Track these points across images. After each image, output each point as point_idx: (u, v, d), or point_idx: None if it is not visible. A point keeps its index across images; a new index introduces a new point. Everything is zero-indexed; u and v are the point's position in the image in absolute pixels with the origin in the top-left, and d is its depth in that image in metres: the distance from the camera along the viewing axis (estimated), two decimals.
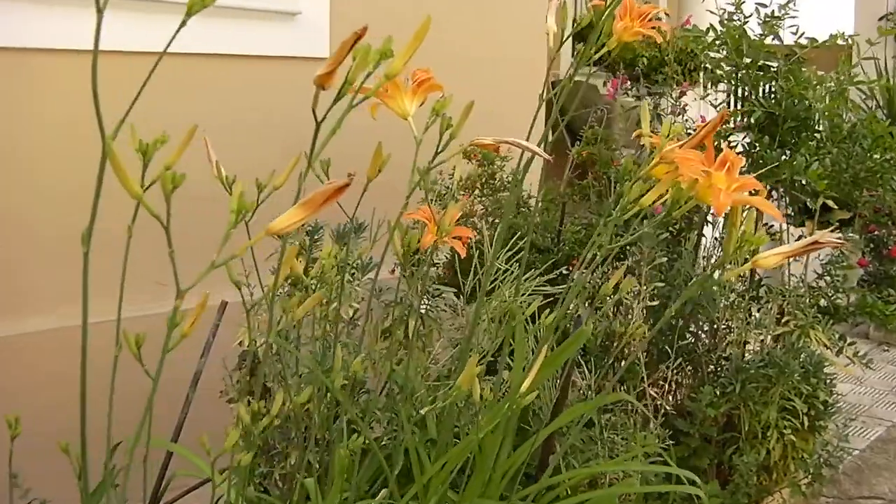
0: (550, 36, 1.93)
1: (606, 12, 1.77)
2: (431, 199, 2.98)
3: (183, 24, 1.27)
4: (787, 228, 3.08)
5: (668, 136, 1.51)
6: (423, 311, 2.58)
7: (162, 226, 1.26)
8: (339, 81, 1.35)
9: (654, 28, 1.88)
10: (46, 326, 2.72)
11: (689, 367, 2.82)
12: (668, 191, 1.61)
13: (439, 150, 1.59)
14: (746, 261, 1.49)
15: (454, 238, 1.93)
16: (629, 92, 3.79)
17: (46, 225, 2.70)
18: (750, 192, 1.44)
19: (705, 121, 2.94)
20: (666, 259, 2.70)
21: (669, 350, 2.67)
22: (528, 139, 1.60)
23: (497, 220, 2.94)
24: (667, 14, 6.31)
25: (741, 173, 2.54)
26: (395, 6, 3.45)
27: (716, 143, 2.78)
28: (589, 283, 2.77)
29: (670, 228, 2.89)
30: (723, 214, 1.31)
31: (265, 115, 3.18)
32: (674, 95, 2.99)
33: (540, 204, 3.19)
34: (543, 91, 1.89)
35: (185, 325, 1.55)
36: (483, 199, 3.11)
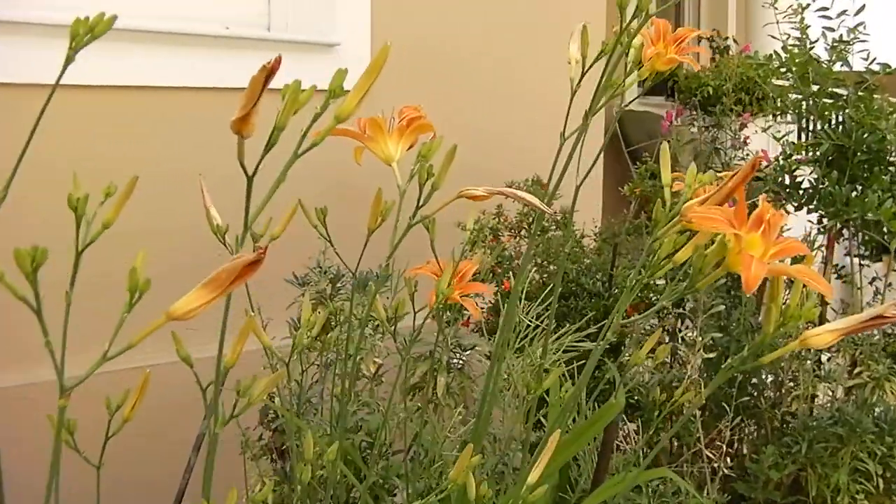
0: (573, 64, 1.59)
1: (618, 39, 1.43)
2: (472, 244, 2.67)
3: None
4: (860, 269, 2.67)
5: (694, 184, 1.17)
6: (454, 366, 2.26)
7: (32, 309, 0.95)
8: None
9: (690, 54, 1.54)
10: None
11: (751, 425, 2.44)
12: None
13: (420, 204, 1.27)
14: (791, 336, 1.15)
15: (464, 297, 1.62)
16: (695, 123, 3.43)
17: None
18: (793, 259, 1.09)
19: (767, 156, 2.57)
20: (724, 307, 2.33)
21: (727, 407, 2.30)
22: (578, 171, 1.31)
23: (546, 263, 2.61)
24: (734, 41, 5.91)
25: (809, 210, 2.16)
26: (438, 37, 3.15)
27: (778, 178, 2.41)
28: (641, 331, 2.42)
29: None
30: (754, 289, 0.96)
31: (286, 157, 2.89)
32: (734, 127, 2.63)
33: (594, 244, 2.85)
34: (588, 120, 1.55)
35: (126, 409, 1.27)
36: (530, 239, 2.77)
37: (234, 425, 2.12)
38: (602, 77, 1.49)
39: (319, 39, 2.86)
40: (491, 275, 2.57)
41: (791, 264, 1.10)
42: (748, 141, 2.72)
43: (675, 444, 2.44)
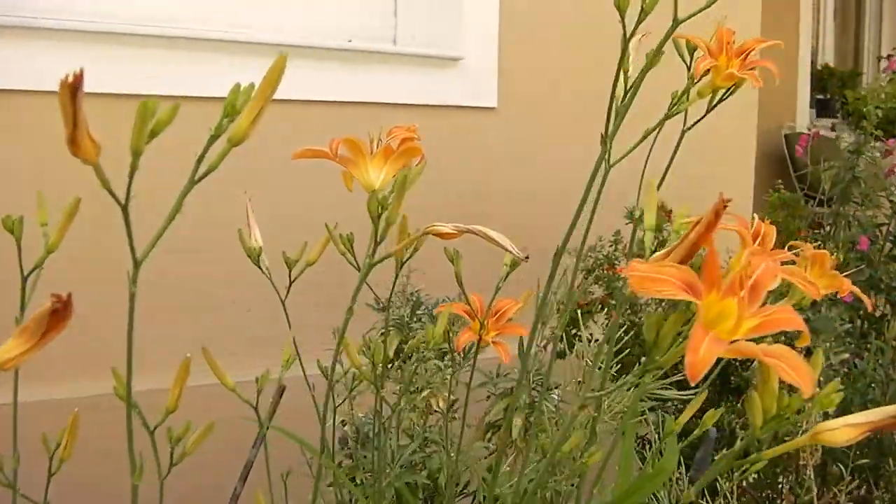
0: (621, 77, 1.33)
1: (657, 52, 1.17)
2: (591, 269, 2.41)
3: None
4: None
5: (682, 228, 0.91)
6: (532, 405, 2.01)
7: None
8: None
9: (753, 69, 1.26)
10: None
11: (875, 488, 2.07)
12: None
13: (378, 240, 1.05)
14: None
15: (495, 341, 1.40)
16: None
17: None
18: (786, 338, 0.82)
19: None
20: (848, 355, 1.98)
21: (843, 470, 1.95)
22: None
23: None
24: None
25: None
26: (572, 52, 2.90)
27: None
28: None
29: (860, 313, 2.16)
30: (698, 379, 0.69)
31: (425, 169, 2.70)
32: (873, 154, 2.25)
33: None
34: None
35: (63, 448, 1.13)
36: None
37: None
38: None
39: (443, 53, 2.67)
40: (601, 306, 2.30)
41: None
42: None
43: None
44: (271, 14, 2.56)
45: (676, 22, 1.09)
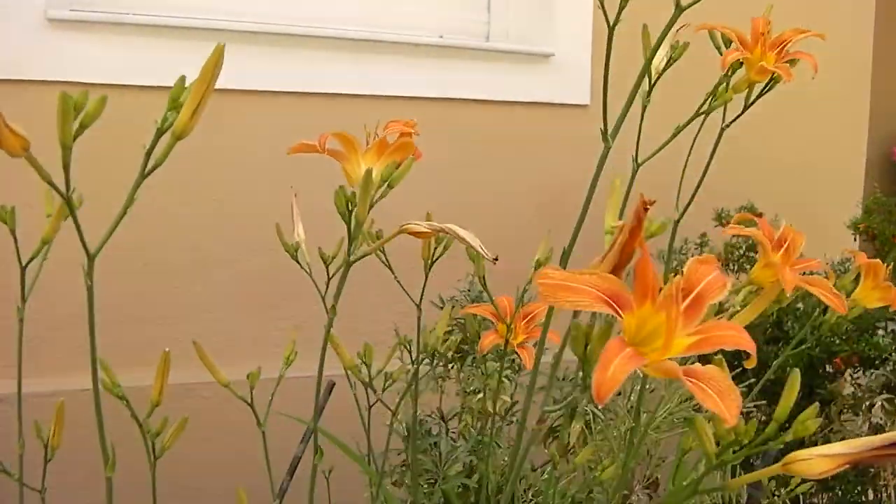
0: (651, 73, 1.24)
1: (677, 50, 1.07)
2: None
3: None
4: None
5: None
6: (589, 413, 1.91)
7: None
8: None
9: (790, 62, 1.14)
10: None
11: None
12: None
13: (352, 238, 0.99)
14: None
15: (521, 345, 1.33)
16: None
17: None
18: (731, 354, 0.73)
19: None
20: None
21: None
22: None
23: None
24: None
25: None
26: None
27: None
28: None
29: None
30: (605, 401, 0.61)
31: (512, 168, 2.62)
32: None
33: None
34: None
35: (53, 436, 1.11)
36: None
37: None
38: (649, 90, 1.13)
39: (535, 49, 2.58)
40: None
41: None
42: None
43: None
44: (362, 9, 2.53)
45: (679, 9, 0.99)
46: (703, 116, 1.30)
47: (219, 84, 2.27)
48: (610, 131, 1.00)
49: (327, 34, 2.41)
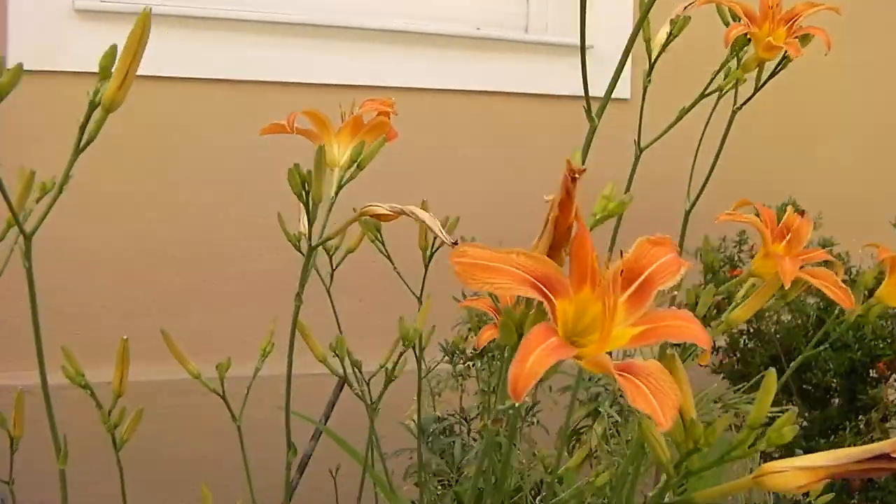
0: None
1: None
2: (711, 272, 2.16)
3: None
4: None
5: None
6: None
7: None
8: None
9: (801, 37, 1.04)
10: None
11: None
12: None
13: (311, 220, 0.91)
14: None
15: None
16: None
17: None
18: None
19: None
20: None
21: None
22: None
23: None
24: None
25: None
26: (708, 43, 2.63)
27: None
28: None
29: None
30: (521, 398, 0.52)
31: (550, 163, 2.52)
32: None
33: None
34: None
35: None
36: None
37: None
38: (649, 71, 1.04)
39: (573, 42, 2.48)
40: (716, 311, 2.05)
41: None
42: None
43: None
44: (397, 0, 2.46)
45: None
46: (720, 99, 1.20)
47: (248, 76, 2.22)
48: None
49: (363, 25, 2.34)
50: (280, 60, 2.24)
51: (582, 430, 1.83)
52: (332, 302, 1.48)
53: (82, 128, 0.76)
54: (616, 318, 0.60)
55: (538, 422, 1.82)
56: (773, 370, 0.68)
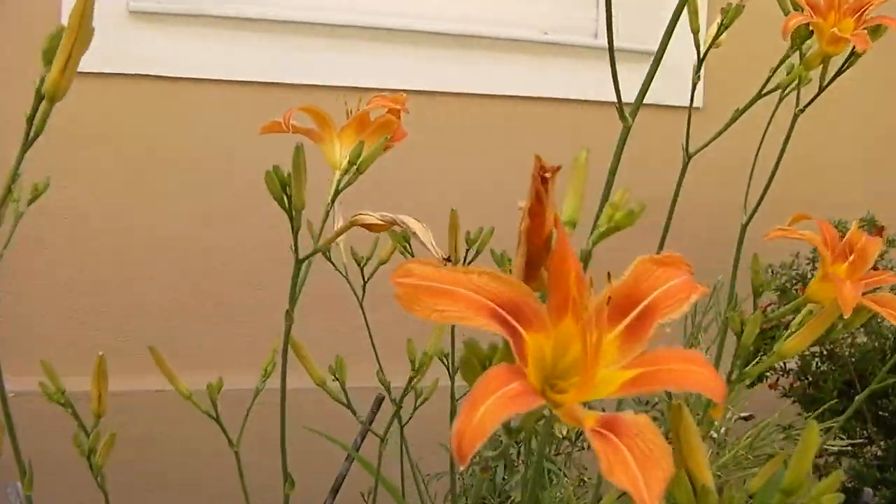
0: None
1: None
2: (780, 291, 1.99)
3: None
4: None
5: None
6: None
7: None
8: None
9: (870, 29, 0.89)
10: None
11: None
12: None
13: (296, 229, 0.79)
14: None
15: None
16: None
17: None
18: None
19: None
20: None
21: None
22: None
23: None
24: None
25: None
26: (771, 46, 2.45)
27: None
28: None
29: None
30: (465, 461, 0.39)
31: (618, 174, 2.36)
32: None
33: None
34: None
35: None
36: None
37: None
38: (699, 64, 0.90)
39: (644, 48, 2.33)
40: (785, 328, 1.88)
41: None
42: None
43: None
44: (462, 4, 2.34)
45: None
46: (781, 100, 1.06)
47: (304, 79, 2.11)
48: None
49: (425, 29, 2.22)
50: (330, 64, 2.14)
51: None
52: (364, 316, 1.36)
53: (29, 120, 0.65)
54: (605, 358, 0.47)
55: (589, 446, 1.67)
56: (814, 424, 0.54)
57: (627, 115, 0.83)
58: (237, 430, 0.98)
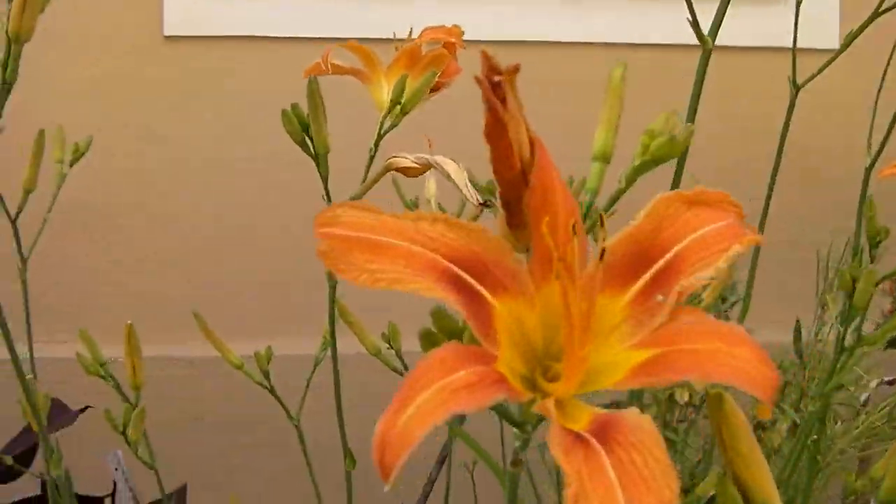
0: None
1: None
2: None
3: None
4: None
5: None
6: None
7: None
8: None
9: None
10: None
11: None
12: None
13: (322, 173, 0.67)
14: None
15: None
16: None
17: None
18: None
19: None
20: None
21: None
22: None
23: None
24: None
25: None
26: None
27: None
28: None
29: None
30: (389, 480, 0.26)
31: (740, 123, 2.15)
32: None
33: None
34: None
35: None
36: None
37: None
38: None
39: None
40: None
41: None
42: None
43: None
44: None
45: None
46: None
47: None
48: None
49: None
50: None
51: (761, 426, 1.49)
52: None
53: (3, 65, 0.56)
54: (610, 334, 0.33)
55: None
56: None
57: (707, 38, 0.67)
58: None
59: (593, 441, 0.29)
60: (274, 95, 0.76)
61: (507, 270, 0.33)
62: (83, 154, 0.89)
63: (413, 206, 0.98)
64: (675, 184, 0.73)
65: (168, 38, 1.91)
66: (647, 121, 0.49)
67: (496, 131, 0.30)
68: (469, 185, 0.57)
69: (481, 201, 0.56)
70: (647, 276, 0.33)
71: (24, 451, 1.35)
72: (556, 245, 0.32)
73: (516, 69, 0.29)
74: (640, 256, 0.34)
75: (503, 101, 0.30)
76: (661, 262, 0.33)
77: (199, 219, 1.82)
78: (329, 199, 0.68)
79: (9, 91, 0.56)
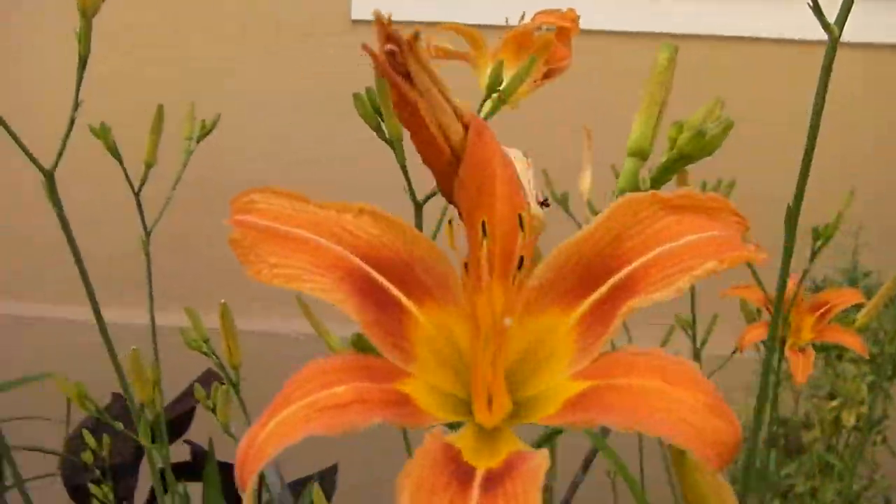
0: None
1: None
2: None
3: None
4: None
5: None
6: None
7: None
8: None
9: None
10: None
11: None
12: None
13: (399, 159, 0.63)
14: None
15: (801, 349, 0.92)
16: None
17: None
18: None
19: None
20: None
21: None
22: None
23: None
24: None
25: None
26: None
27: None
28: None
29: None
30: (245, 494, 0.23)
31: (854, 118, 1.91)
32: None
33: None
34: None
35: None
36: None
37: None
38: None
39: None
40: None
41: None
42: None
43: None
44: None
45: None
46: None
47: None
48: None
49: None
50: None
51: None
52: None
53: (80, 38, 0.56)
54: (552, 360, 0.28)
55: (884, 439, 1.36)
56: None
57: (833, 26, 0.58)
58: None
59: (475, 486, 0.24)
60: None
61: (437, 276, 0.28)
62: (209, 132, 0.89)
63: None
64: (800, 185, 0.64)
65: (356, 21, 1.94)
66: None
67: (405, 111, 0.25)
68: (531, 180, 0.52)
69: (541, 200, 0.50)
70: (597, 295, 0.27)
71: (181, 415, 1.38)
72: (491, 251, 0.27)
73: (415, 37, 0.24)
74: (594, 269, 0.28)
75: (406, 75, 0.25)
76: (616, 278, 0.27)
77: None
78: (411, 191, 0.64)
79: (84, 66, 0.56)
